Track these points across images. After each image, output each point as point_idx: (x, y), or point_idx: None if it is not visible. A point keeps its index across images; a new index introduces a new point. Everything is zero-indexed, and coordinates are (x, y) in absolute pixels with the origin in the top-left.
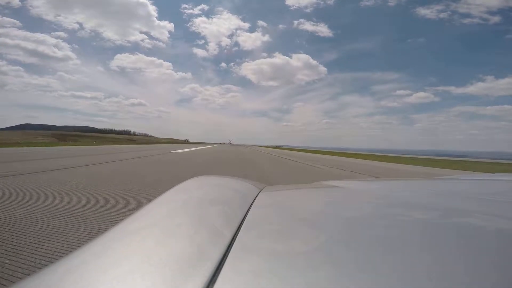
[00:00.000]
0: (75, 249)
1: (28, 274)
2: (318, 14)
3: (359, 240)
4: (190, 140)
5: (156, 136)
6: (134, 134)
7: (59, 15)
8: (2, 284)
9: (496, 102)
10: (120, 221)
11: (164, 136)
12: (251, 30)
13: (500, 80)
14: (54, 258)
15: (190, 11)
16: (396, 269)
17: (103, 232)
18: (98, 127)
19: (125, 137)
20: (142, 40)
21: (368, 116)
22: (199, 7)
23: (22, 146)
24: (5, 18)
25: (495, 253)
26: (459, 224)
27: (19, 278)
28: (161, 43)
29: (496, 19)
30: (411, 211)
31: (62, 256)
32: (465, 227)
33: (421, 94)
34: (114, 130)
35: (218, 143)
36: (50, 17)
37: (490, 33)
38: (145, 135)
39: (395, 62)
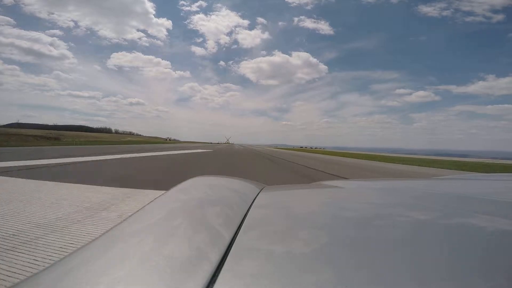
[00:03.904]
0: (75, 249)
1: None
2: (319, 11)
3: (359, 240)
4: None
5: (144, 135)
6: (116, 132)
7: (53, 13)
8: (3, 280)
9: (497, 101)
10: (120, 222)
11: (164, 136)
12: (250, 27)
13: (501, 79)
14: None
15: (188, 8)
16: (397, 270)
17: (103, 232)
18: (94, 126)
19: (47, 132)
20: (139, 38)
21: (367, 115)
22: (197, 4)
23: None
24: None
25: (495, 253)
26: (459, 224)
27: None
28: (158, 41)
29: (499, 17)
30: (411, 211)
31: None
32: (465, 227)
33: (421, 93)
34: (85, 126)
35: (215, 143)
36: (44, 14)
37: (492, 31)
38: (130, 133)
39: (396, 60)
